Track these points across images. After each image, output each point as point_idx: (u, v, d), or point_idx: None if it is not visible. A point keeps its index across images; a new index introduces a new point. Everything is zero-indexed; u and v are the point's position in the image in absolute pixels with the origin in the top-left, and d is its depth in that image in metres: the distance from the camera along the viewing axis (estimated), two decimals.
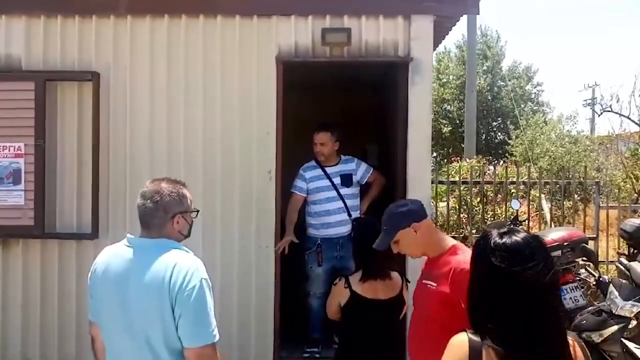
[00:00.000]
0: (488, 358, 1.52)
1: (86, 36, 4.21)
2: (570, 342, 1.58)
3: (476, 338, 1.55)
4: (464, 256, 2.21)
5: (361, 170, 4.56)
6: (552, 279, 1.55)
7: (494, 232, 1.63)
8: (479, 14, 4.52)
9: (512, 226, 1.68)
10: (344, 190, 4.43)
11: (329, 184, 4.44)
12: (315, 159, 4.56)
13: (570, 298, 4.19)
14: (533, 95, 25.53)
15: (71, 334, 4.22)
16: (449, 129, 22.69)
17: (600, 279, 4.39)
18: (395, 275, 3.05)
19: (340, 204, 4.41)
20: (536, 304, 1.51)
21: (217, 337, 2.01)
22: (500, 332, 1.52)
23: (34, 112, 4.12)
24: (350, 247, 4.28)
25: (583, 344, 1.59)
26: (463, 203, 7.11)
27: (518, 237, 1.59)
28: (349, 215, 4.35)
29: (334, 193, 4.41)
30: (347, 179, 4.47)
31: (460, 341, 1.57)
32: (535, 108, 23.95)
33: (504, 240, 1.59)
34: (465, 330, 1.59)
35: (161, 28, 4.20)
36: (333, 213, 4.41)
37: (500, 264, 1.55)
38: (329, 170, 4.49)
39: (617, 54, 69.81)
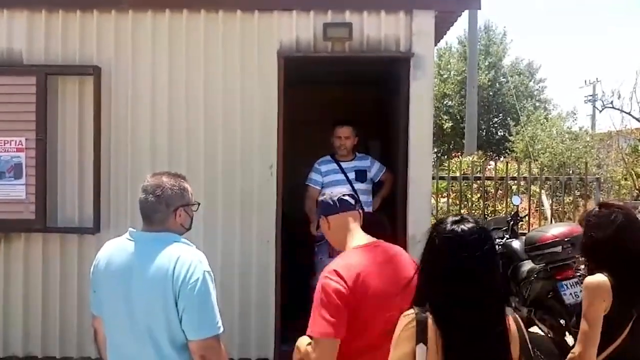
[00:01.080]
0: (432, 330, 1.69)
1: (88, 31, 4.21)
2: (508, 318, 1.77)
3: (422, 313, 1.73)
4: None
5: (375, 168, 4.62)
6: (491, 265, 1.75)
7: (449, 219, 1.80)
8: (480, 9, 4.52)
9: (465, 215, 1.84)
10: (358, 186, 4.47)
11: (344, 178, 4.49)
12: (331, 153, 4.60)
13: (571, 293, 4.19)
14: (536, 92, 25.51)
15: (72, 327, 4.23)
16: (450, 124, 22.67)
17: None
18: None
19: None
20: (474, 284, 1.70)
21: (222, 329, 2.02)
22: (443, 308, 1.71)
23: (35, 107, 4.12)
24: None
25: (519, 319, 1.82)
26: (463, 199, 7.11)
27: (467, 226, 1.75)
28: (362, 209, 4.35)
29: (348, 188, 4.44)
30: (361, 175, 4.53)
31: (408, 316, 1.75)
32: (537, 105, 23.93)
33: (454, 227, 1.76)
34: (413, 307, 1.76)
35: (162, 23, 4.20)
36: None
37: (447, 248, 1.74)
38: (344, 165, 4.55)
39: (618, 51, 69.68)
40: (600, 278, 2.31)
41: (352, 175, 4.49)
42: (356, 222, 2.34)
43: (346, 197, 2.36)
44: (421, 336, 1.70)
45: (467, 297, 1.69)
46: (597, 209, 2.51)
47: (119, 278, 2.05)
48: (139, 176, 3.71)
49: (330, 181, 4.49)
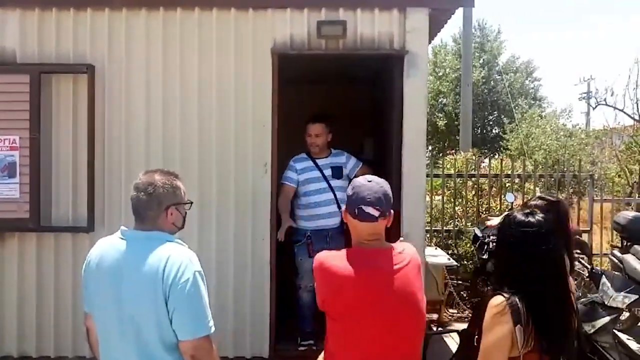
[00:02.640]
0: (522, 308, 1.91)
1: (81, 29, 4.20)
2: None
3: (508, 295, 1.94)
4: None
5: (351, 164, 4.59)
6: (559, 253, 2.04)
7: (519, 212, 2.09)
8: (474, 6, 4.53)
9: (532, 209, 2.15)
10: (334, 182, 4.46)
11: (320, 175, 4.46)
12: (306, 151, 4.58)
13: None
14: (531, 90, 25.60)
15: (67, 327, 4.23)
16: (444, 122, 22.71)
17: (593, 270, 4.42)
18: None
19: (330, 195, 4.43)
20: (546, 269, 1.99)
21: (213, 329, 2.01)
22: (522, 290, 1.94)
23: (29, 105, 4.11)
24: (339, 239, 4.32)
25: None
26: (458, 196, 7.13)
27: (538, 217, 2.05)
28: (339, 207, 4.36)
29: (324, 184, 4.44)
30: (337, 171, 4.51)
31: (498, 300, 1.95)
32: (531, 102, 24.01)
33: (528, 218, 2.04)
34: (499, 293, 1.98)
35: (156, 21, 4.19)
36: (323, 205, 4.43)
37: (521, 238, 2.02)
38: (319, 162, 4.52)
39: (612, 48, 69.90)
40: None
41: (328, 172, 4.47)
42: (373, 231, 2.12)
43: (369, 210, 2.08)
44: (517, 318, 1.89)
45: (547, 277, 1.98)
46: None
47: (109, 277, 2.04)
48: (133, 175, 3.69)
49: (306, 179, 4.46)
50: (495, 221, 4.53)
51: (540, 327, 1.91)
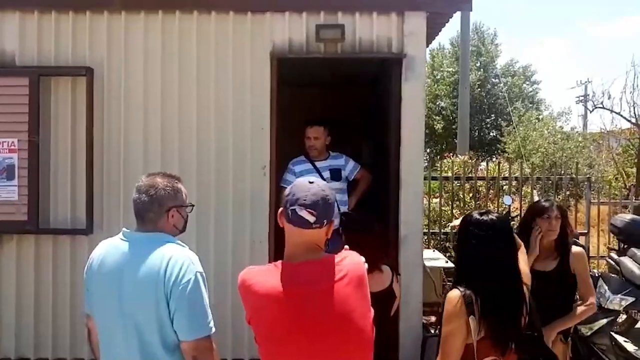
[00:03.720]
0: (476, 304, 2.10)
1: (80, 32, 4.20)
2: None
3: (464, 290, 2.14)
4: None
5: (349, 167, 4.61)
6: (509, 251, 2.23)
7: (475, 212, 2.29)
8: (471, 10, 4.55)
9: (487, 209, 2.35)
10: (333, 185, 4.46)
11: (318, 177, 4.47)
12: (304, 153, 4.59)
13: None
14: (530, 94, 25.68)
15: (65, 329, 4.22)
16: (442, 125, 22.76)
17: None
18: (385, 268, 3.07)
19: None
20: (496, 266, 2.17)
21: (213, 330, 2.03)
22: (476, 284, 2.14)
23: (28, 108, 4.12)
24: (338, 241, 4.32)
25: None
26: (455, 199, 7.15)
27: (492, 217, 2.24)
28: (338, 209, 4.38)
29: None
30: (336, 174, 4.52)
31: (455, 294, 2.14)
32: (529, 105, 24.08)
33: (482, 217, 2.24)
34: (456, 287, 2.16)
35: (155, 24, 4.21)
36: None
37: (477, 235, 2.20)
38: (318, 164, 4.53)
39: (609, 51, 70.09)
40: None
41: (326, 175, 4.47)
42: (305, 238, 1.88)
43: (302, 213, 1.84)
44: (471, 309, 2.09)
45: (500, 274, 2.16)
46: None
47: (111, 278, 2.05)
48: (132, 177, 3.72)
49: None
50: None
51: (489, 317, 2.11)
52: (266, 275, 1.85)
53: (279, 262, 1.89)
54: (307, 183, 1.90)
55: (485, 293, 2.12)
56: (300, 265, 1.85)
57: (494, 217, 2.23)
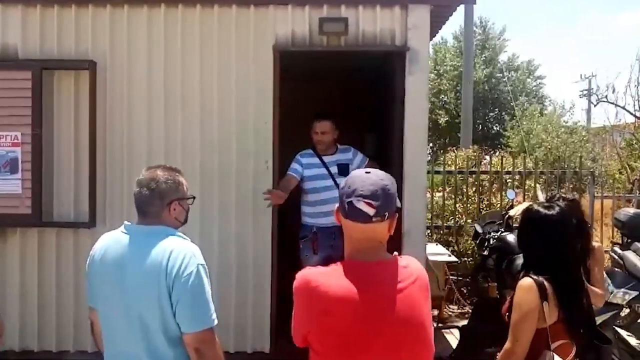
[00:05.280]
0: (549, 289, 2.25)
1: (83, 25, 4.20)
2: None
3: (536, 277, 2.27)
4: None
5: (357, 160, 4.57)
6: (573, 242, 2.44)
7: (540, 206, 2.46)
8: (475, 3, 4.54)
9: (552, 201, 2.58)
10: (340, 180, 4.44)
11: (326, 172, 4.44)
12: (312, 147, 4.57)
13: None
14: (534, 88, 25.59)
15: (69, 321, 4.24)
16: (445, 119, 22.71)
17: None
18: None
19: (336, 193, 4.36)
20: (563, 255, 2.34)
21: (216, 322, 2.03)
22: (548, 271, 2.30)
23: (31, 101, 4.12)
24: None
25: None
26: (459, 193, 7.14)
27: (557, 210, 2.40)
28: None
29: (330, 182, 4.42)
30: (344, 169, 4.48)
31: (527, 281, 2.28)
32: (532, 100, 24.02)
33: (549, 211, 2.39)
34: (528, 275, 2.29)
35: (158, 17, 4.20)
36: (329, 202, 4.42)
37: (545, 230, 2.38)
38: (326, 159, 4.50)
39: (614, 45, 69.82)
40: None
41: (334, 170, 4.42)
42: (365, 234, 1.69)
43: (360, 205, 1.65)
44: (544, 295, 2.23)
45: (567, 263, 2.34)
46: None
47: (113, 271, 2.05)
48: (135, 170, 3.70)
49: (312, 175, 4.41)
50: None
51: (562, 302, 2.26)
52: (333, 277, 1.64)
53: (343, 261, 1.69)
54: (363, 173, 1.71)
55: (560, 280, 2.27)
56: (369, 264, 1.66)
57: (559, 212, 2.39)
